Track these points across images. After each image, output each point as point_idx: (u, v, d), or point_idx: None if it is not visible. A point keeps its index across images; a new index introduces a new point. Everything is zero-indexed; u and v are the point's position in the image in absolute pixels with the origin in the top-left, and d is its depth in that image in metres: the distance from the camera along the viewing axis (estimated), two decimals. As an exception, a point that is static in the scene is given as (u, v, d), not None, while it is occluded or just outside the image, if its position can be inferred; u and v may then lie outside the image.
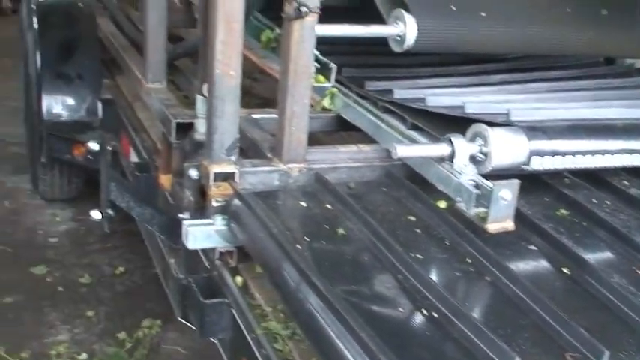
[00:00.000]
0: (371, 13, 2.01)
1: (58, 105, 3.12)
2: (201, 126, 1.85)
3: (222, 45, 1.58)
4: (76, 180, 3.68)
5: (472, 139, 1.62)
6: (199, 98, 1.83)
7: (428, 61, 2.24)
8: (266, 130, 1.93)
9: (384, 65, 2.22)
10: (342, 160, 1.78)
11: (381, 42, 1.95)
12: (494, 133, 1.59)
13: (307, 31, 1.63)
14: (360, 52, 2.28)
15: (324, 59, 1.83)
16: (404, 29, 1.86)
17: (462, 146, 1.57)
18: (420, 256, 1.39)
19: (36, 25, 3.43)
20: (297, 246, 1.40)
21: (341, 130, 2.13)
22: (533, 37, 2.12)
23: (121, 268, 3.32)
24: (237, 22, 1.58)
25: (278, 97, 1.72)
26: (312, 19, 1.62)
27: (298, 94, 1.67)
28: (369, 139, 1.91)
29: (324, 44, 1.75)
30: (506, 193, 1.44)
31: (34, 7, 3.63)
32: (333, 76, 1.86)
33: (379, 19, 1.97)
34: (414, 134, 1.78)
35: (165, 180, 2.13)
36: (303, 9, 1.59)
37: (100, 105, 3.10)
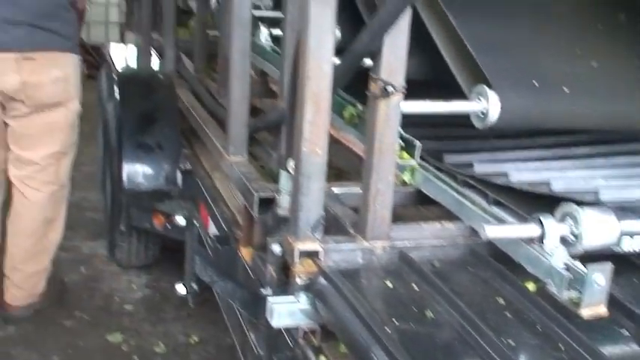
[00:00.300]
0: (449, 86, 2.01)
1: (138, 174, 3.18)
2: (284, 201, 1.86)
3: (310, 124, 1.60)
4: (153, 247, 3.74)
5: (562, 219, 1.58)
6: (283, 174, 1.85)
7: (507, 132, 2.22)
8: (347, 204, 1.93)
9: (463, 137, 2.20)
10: (426, 238, 1.77)
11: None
12: (585, 214, 1.56)
13: (393, 110, 1.64)
14: (437, 123, 2.28)
15: (409, 137, 1.83)
16: (487, 106, 1.84)
17: (553, 227, 1.54)
18: (512, 342, 1.36)
19: (117, 95, 3.53)
20: (386, 328, 1.38)
21: (420, 204, 2.11)
22: (616, 112, 2.09)
23: (196, 338, 3.32)
24: (324, 101, 1.60)
25: (362, 173, 1.72)
26: (397, 97, 1.63)
27: (383, 172, 1.68)
28: (449, 214, 1.89)
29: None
30: (600, 278, 1.40)
31: (115, 77, 3.75)
32: (417, 154, 1.86)
33: (459, 93, 1.96)
34: (496, 210, 1.76)
35: (245, 253, 2.15)
36: (390, 88, 1.60)
37: (179, 174, 3.16)
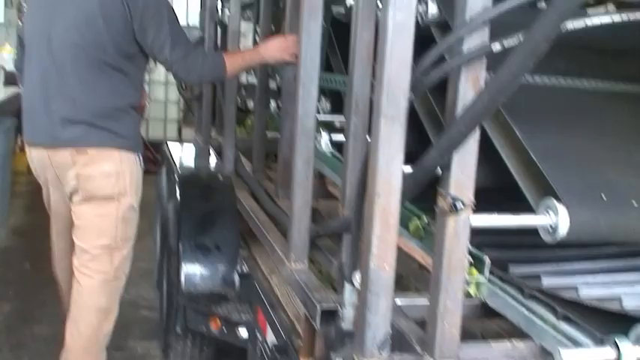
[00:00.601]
0: (513, 191, 1.99)
1: (196, 276, 3.18)
2: (348, 315, 1.84)
3: (378, 240, 1.59)
4: (207, 350, 3.70)
5: (637, 341, 1.53)
6: (347, 287, 1.83)
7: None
8: (411, 317, 1.89)
9: (527, 246, 2.16)
10: (496, 358, 1.72)
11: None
12: (661, 336, 1.51)
13: (462, 226, 1.62)
14: (500, 230, 2.24)
15: (478, 252, 1.80)
16: (556, 220, 1.80)
17: (629, 350, 1.49)
18: None
19: (177, 196, 3.58)
20: None
21: (485, 317, 2.07)
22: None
23: None
24: (393, 217, 1.59)
25: (430, 289, 1.70)
26: (467, 213, 1.61)
27: (452, 289, 1.65)
28: (516, 329, 1.84)
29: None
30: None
31: (176, 177, 3.81)
32: (487, 271, 1.83)
33: (524, 200, 1.93)
34: (566, 328, 1.71)
35: (305, 365, 2.12)
36: (459, 204, 1.59)
37: (236, 277, 3.15)
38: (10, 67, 7.36)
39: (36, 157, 3.19)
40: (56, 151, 3.07)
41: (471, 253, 1.77)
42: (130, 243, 3.27)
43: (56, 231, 3.42)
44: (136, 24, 2.99)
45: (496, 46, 1.51)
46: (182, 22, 3.37)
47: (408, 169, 1.66)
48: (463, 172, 1.60)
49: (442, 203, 1.62)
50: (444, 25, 1.99)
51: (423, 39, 1.73)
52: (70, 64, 3.03)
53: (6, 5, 8.36)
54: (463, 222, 1.62)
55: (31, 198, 7.10)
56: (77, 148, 3.03)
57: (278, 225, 2.93)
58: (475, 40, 1.53)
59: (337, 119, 3.17)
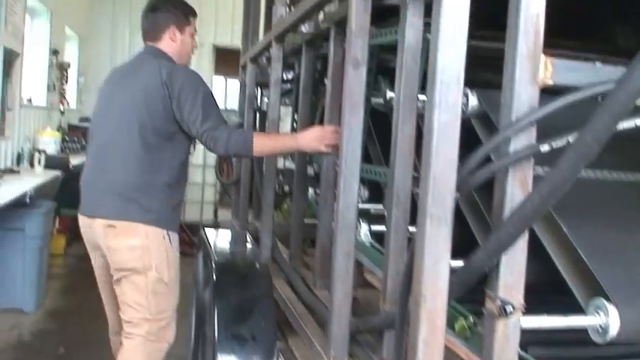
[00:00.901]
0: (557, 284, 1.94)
1: (232, 367, 3.13)
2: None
3: (424, 343, 1.54)
4: None
5: None
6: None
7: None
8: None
9: (573, 342, 2.09)
10: None
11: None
12: None
13: (512, 329, 1.57)
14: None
15: (528, 357, 1.74)
16: (606, 320, 1.75)
17: None
18: None
19: (214, 284, 3.55)
20: None
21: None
22: None
23: None
24: (440, 319, 1.55)
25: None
26: (517, 316, 1.56)
27: (502, 396, 1.59)
28: None
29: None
30: None
31: (213, 264, 3.79)
32: (536, 376, 1.77)
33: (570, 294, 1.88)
34: None
35: None
36: (509, 308, 1.54)
37: (272, 370, 3.09)
38: (50, 150, 7.50)
39: (82, 225, 3.37)
40: (93, 220, 3.25)
41: (521, 358, 1.71)
42: (166, 314, 3.33)
43: (104, 300, 3.55)
44: (174, 103, 3.17)
45: (544, 147, 1.48)
46: (220, 106, 3.44)
47: (457, 263, 1.62)
48: (512, 274, 1.56)
49: (491, 306, 1.57)
50: (485, 116, 1.99)
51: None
52: (115, 145, 3.22)
53: (48, 89, 8.53)
54: (513, 325, 1.56)
55: (68, 280, 7.14)
56: (108, 220, 3.19)
57: (315, 315, 2.88)
58: (522, 140, 1.51)
59: (375, 207, 3.15)
